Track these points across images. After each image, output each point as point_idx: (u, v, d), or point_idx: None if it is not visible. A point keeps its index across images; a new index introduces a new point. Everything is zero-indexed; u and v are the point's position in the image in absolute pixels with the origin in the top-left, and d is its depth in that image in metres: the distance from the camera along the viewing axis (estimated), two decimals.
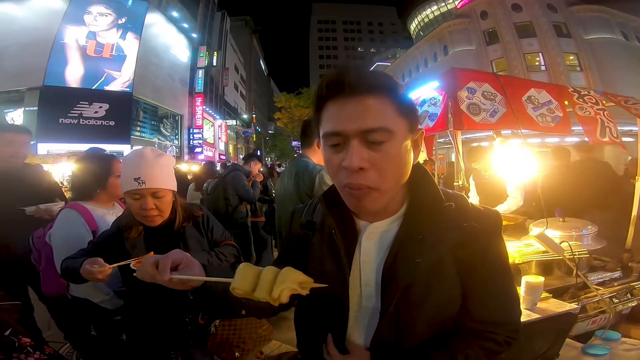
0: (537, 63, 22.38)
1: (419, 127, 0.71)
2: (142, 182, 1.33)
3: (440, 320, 0.73)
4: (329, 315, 0.77)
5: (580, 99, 2.08)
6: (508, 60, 22.67)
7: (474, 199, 3.04)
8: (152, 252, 1.35)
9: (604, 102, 2.18)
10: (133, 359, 1.58)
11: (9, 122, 14.56)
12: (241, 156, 31.57)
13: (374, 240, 0.75)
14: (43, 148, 12.60)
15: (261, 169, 4.53)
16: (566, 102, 2.14)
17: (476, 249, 0.71)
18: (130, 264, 1.23)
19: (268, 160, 35.44)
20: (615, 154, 6.06)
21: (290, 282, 0.60)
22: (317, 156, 2.11)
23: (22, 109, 14.07)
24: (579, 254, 1.79)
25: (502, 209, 2.80)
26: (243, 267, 0.64)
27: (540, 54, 22.14)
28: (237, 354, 1.60)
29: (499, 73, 21.74)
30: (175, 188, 1.47)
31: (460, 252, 0.70)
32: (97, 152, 1.98)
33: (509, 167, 2.30)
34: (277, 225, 2.32)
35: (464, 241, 0.70)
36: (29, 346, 1.54)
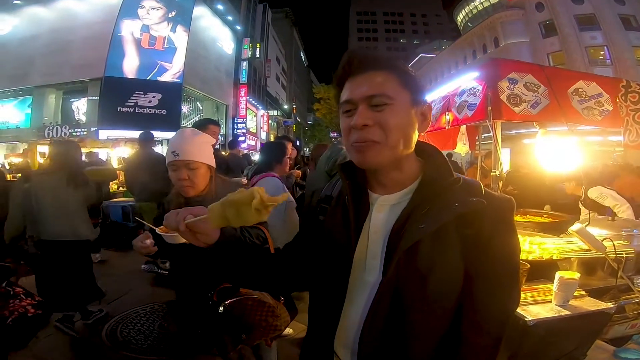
0: (601, 57, 20.54)
1: (430, 103, 0.77)
2: (177, 155, 1.49)
3: (438, 302, 0.73)
4: (329, 286, 0.80)
5: (623, 97, 1.96)
6: (567, 54, 21.03)
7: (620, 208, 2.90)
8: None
9: None
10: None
11: (76, 111, 15.99)
12: None
13: (384, 213, 0.78)
14: (103, 134, 13.74)
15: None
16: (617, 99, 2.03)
17: (482, 230, 0.72)
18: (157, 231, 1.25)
19: (306, 151, 35.76)
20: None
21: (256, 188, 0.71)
22: None
23: (86, 99, 15.36)
24: (625, 254, 1.68)
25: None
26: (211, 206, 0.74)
27: (605, 47, 20.29)
28: (243, 336, 1.59)
29: (558, 67, 20.23)
30: (211, 163, 1.59)
31: (467, 231, 0.72)
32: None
33: (553, 162, 2.19)
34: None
35: (470, 218, 0.71)
36: (22, 294, 1.87)
